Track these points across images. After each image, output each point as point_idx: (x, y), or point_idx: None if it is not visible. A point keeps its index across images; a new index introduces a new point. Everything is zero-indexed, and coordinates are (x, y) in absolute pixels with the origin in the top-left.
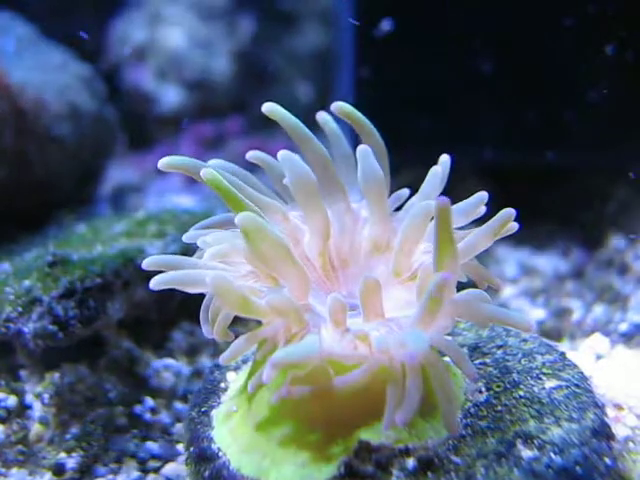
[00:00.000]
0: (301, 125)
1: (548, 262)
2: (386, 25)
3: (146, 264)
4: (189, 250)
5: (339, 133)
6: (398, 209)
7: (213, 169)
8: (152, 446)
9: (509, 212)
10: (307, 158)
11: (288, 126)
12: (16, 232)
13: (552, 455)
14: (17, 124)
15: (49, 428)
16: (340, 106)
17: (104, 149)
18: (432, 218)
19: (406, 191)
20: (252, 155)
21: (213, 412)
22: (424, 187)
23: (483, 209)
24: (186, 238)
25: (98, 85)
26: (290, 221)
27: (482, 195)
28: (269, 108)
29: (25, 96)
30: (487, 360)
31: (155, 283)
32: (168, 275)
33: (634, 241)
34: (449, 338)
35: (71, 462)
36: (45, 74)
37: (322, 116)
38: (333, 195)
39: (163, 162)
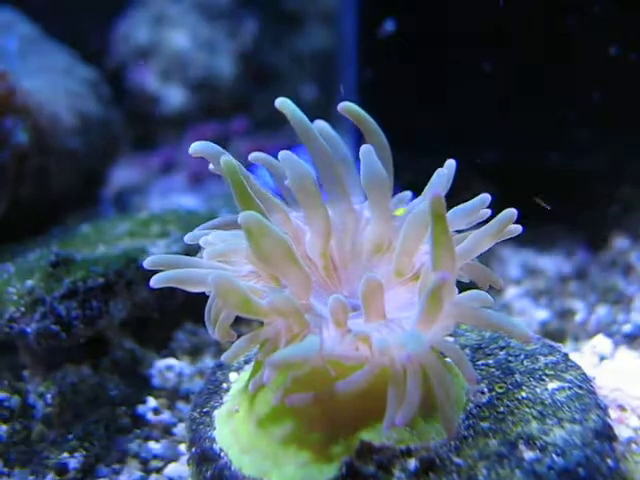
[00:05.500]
0: (308, 123)
1: (551, 263)
2: (389, 26)
3: (147, 263)
4: (192, 250)
5: (337, 137)
6: None
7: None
8: (154, 446)
9: (511, 213)
10: (311, 156)
11: (295, 122)
12: (20, 233)
13: (554, 456)
14: (38, 143)
15: (52, 428)
16: (347, 105)
17: (110, 153)
18: None
19: (408, 194)
20: (255, 156)
21: (215, 412)
22: (428, 188)
23: (486, 212)
24: (188, 239)
25: (103, 89)
26: (292, 222)
27: (484, 197)
28: (281, 101)
29: (43, 114)
30: (490, 361)
31: (155, 281)
32: (168, 273)
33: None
34: (450, 339)
35: (73, 462)
36: (53, 80)
37: (318, 122)
38: (335, 195)
39: (192, 148)
